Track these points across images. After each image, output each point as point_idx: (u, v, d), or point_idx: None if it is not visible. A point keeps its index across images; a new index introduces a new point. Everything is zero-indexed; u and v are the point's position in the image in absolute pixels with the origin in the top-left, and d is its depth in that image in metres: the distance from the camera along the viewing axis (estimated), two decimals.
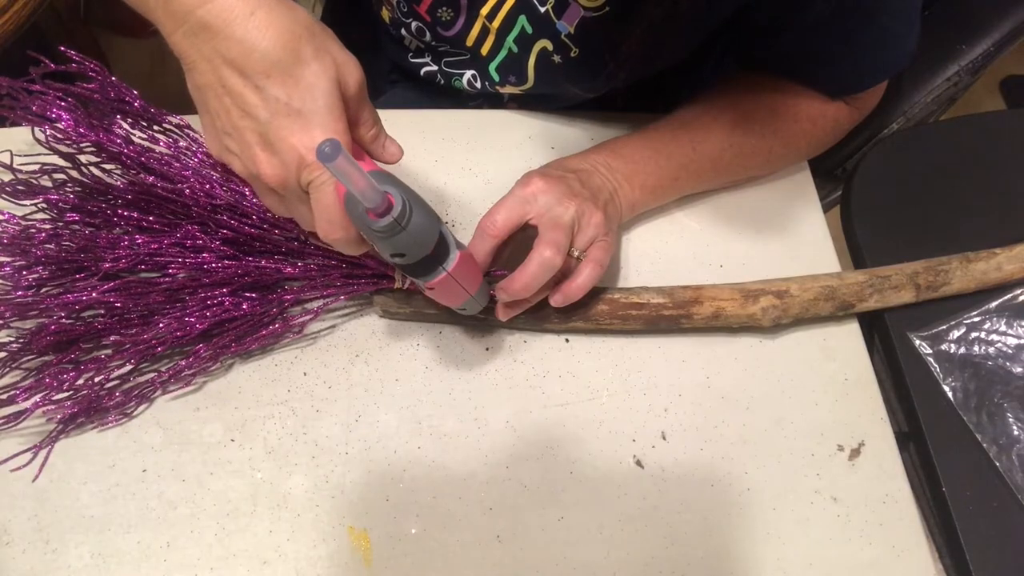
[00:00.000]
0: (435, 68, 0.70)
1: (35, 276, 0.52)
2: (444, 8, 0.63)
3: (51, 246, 0.51)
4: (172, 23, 0.40)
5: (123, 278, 0.52)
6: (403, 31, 0.68)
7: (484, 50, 0.65)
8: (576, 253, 0.52)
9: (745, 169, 0.63)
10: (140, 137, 0.54)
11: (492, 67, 0.66)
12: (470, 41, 0.64)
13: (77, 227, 0.53)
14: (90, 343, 0.52)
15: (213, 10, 0.38)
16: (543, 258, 0.49)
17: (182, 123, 0.55)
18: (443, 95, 0.73)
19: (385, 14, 0.68)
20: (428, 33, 0.66)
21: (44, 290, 0.52)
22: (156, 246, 0.52)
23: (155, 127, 0.55)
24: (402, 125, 0.66)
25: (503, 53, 0.64)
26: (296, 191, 0.42)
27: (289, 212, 0.45)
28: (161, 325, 0.52)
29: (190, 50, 0.40)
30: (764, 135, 0.61)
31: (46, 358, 0.52)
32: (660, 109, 0.65)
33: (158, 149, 0.54)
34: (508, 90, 0.67)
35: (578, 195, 0.52)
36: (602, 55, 0.59)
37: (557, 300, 0.52)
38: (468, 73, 0.68)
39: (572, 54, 0.60)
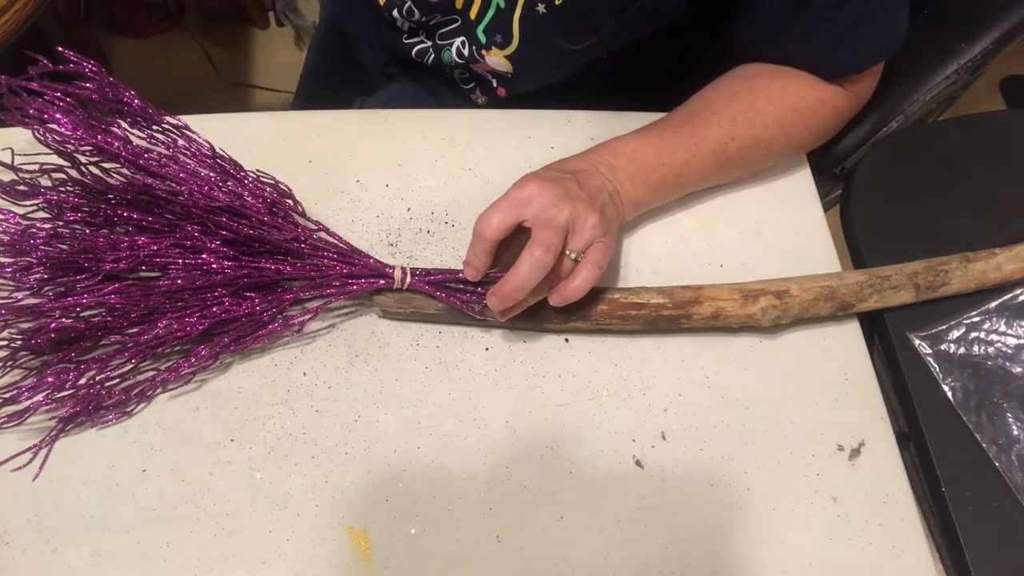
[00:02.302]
0: (428, 44, 0.71)
1: (36, 277, 0.52)
2: None
3: (50, 248, 0.51)
4: None
5: (123, 279, 0.52)
6: (395, 12, 0.69)
7: (473, 12, 0.66)
8: (573, 255, 0.52)
9: (748, 162, 0.63)
10: (139, 137, 0.54)
11: (480, 29, 0.66)
12: (458, 4, 0.66)
13: (78, 227, 0.53)
14: (90, 342, 0.52)
15: None
16: (533, 258, 0.49)
17: (180, 123, 0.55)
18: (435, 80, 0.73)
19: None
20: (417, 11, 0.67)
21: (45, 289, 0.52)
22: (156, 247, 0.52)
23: (153, 127, 0.55)
24: (402, 125, 0.67)
25: (491, 12, 0.65)
26: None
27: None
28: (162, 325, 0.52)
29: None
30: (765, 126, 0.61)
31: (46, 357, 0.52)
32: (661, 107, 0.65)
33: (157, 150, 0.54)
34: (494, 55, 0.67)
35: (574, 197, 0.52)
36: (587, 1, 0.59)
37: (555, 300, 0.53)
38: (457, 41, 0.69)
39: (557, 1, 0.60)
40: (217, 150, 0.56)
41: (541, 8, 0.61)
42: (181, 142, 0.55)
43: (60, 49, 0.50)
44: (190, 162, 0.55)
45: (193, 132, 0.55)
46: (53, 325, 0.50)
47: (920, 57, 0.72)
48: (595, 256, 0.53)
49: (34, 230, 0.52)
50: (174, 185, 0.52)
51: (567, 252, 0.52)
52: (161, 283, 0.52)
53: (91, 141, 0.51)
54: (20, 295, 0.51)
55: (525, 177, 0.54)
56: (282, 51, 1.75)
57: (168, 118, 0.55)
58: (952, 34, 0.73)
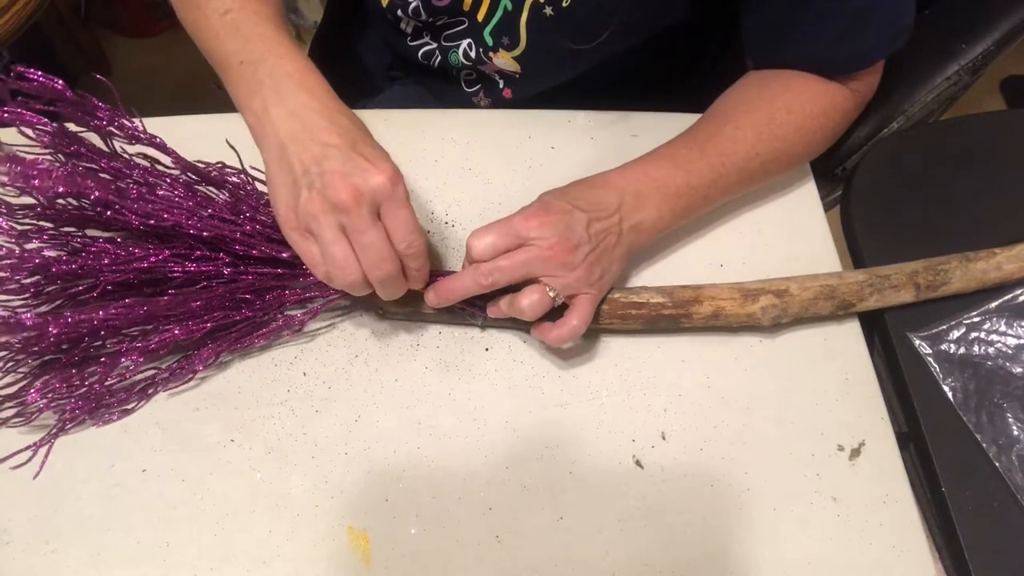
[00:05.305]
0: (434, 46, 0.71)
1: (35, 284, 0.51)
2: None
3: (48, 256, 0.50)
4: None
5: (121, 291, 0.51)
6: (399, 12, 0.69)
7: (480, 15, 0.66)
8: (552, 294, 0.52)
9: (769, 175, 0.63)
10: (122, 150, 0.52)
11: (487, 31, 0.67)
12: (466, 6, 0.66)
13: (77, 246, 0.52)
14: (92, 348, 0.52)
15: None
16: (475, 276, 0.50)
17: (159, 142, 0.53)
18: (439, 82, 0.73)
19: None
20: (423, 11, 0.67)
21: (42, 308, 0.51)
22: (155, 259, 0.51)
23: (136, 142, 0.53)
24: (402, 125, 0.67)
25: (499, 14, 0.65)
26: None
27: None
28: (165, 332, 0.51)
29: None
30: (786, 138, 0.61)
31: (49, 357, 0.52)
32: (664, 105, 0.65)
33: (134, 175, 0.52)
34: (501, 57, 0.67)
35: (568, 246, 0.51)
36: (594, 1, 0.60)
37: (536, 336, 0.55)
38: (464, 43, 0.69)
39: (564, 4, 0.61)
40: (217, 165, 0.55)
41: (548, 11, 0.62)
42: (166, 159, 0.54)
43: (20, 68, 0.47)
44: (172, 192, 0.53)
45: (171, 151, 0.53)
46: (54, 330, 0.49)
47: (921, 58, 0.72)
48: (581, 310, 0.52)
49: (33, 240, 0.51)
50: (160, 218, 0.50)
51: (549, 292, 0.52)
52: (162, 298, 0.51)
53: (66, 189, 0.47)
54: (27, 316, 0.50)
55: (536, 207, 0.52)
56: None
57: (150, 127, 0.52)
58: (953, 35, 0.73)
